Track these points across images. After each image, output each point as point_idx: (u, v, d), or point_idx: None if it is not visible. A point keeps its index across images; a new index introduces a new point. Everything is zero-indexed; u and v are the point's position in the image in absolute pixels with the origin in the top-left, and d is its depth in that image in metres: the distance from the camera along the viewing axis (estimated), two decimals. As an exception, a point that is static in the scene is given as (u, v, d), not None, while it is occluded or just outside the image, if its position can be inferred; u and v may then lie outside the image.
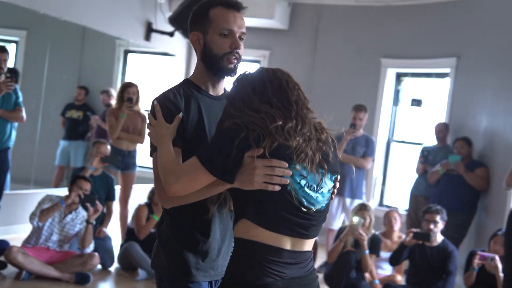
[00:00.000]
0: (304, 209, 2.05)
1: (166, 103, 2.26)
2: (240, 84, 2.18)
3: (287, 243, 2.07)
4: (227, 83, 2.42)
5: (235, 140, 2.01)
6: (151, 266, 2.42)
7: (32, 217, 5.57)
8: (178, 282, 2.32)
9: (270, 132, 2.01)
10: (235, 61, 2.34)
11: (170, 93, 2.30)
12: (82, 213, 5.76)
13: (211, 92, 2.39)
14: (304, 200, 2.05)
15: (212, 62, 2.33)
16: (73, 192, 5.63)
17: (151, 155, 2.30)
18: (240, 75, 2.23)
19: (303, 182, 2.05)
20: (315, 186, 2.06)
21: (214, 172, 2.04)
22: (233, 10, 2.34)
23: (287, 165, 2.01)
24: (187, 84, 2.37)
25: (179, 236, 2.32)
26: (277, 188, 2.01)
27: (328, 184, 2.11)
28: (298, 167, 2.02)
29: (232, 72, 2.35)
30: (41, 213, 5.55)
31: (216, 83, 2.40)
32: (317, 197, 2.08)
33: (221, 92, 2.44)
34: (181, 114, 2.25)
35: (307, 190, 2.05)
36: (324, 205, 2.12)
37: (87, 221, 5.69)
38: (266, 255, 2.04)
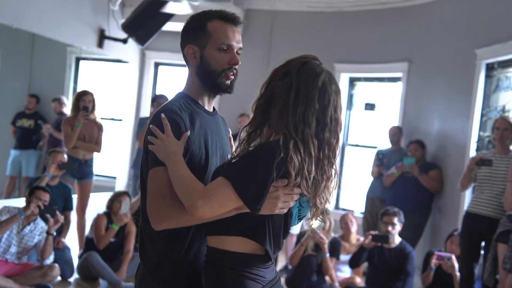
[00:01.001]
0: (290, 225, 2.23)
1: (173, 117, 2.15)
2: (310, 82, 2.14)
3: (269, 252, 2.15)
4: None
5: (272, 170, 2.01)
6: None
7: None
8: None
9: (303, 174, 2.06)
10: (233, 77, 2.28)
11: (174, 107, 2.19)
12: (40, 224, 5.66)
13: (206, 107, 2.32)
14: (293, 220, 2.22)
15: (209, 78, 2.26)
16: (32, 203, 5.53)
17: (151, 168, 2.13)
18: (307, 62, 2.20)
19: (295, 210, 2.20)
20: (302, 216, 2.25)
21: (247, 202, 2.02)
22: (231, 24, 2.27)
23: (300, 192, 2.12)
24: (185, 98, 2.28)
25: (169, 261, 2.22)
26: (285, 211, 2.11)
27: (307, 212, 2.28)
28: (302, 197, 2.16)
29: (228, 88, 2.29)
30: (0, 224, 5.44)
31: (211, 99, 2.34)
32: (295, 221, 2.24)
33: (212, 108, 2.36)
34: (188, 132, 2.15)
35: (298, 214, 2.22)
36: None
37: (48, 232, 5.59)
38: (257, 264, 2.13)
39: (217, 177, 2.04)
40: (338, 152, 2.19)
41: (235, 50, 2.26)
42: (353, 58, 8.49)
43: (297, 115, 2.08)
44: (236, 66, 2.27)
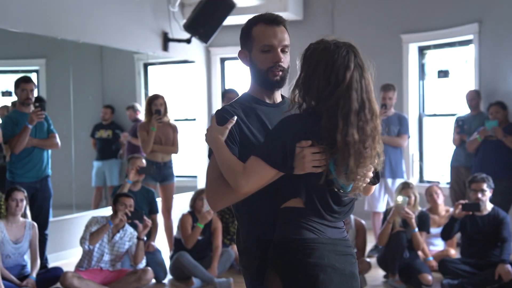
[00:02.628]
0: (335, 189, 2.32)
1: (222, 113, 2.42)
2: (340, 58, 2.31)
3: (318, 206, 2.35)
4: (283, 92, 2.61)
5: (293, 134, 2.26)
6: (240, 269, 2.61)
7: (82, 241, 5.60)
8: (257, 282, 2.48)
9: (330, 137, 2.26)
10: (280, 73, 2.46)
11: (227, 106, 2.47)
12: (129, 230, 5.77)
13: (268, 101, 2.53)
14: (337, 183, 2.32)
15: (259, 77, 2.48)
16: (119, 211, 5.64)
17: (208, 157, 2.46)
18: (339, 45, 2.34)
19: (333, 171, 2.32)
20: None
21: (278, 167, 2.27)
22: (273, 25, 2.45)
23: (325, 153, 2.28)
24: (245, 97, 2.53)
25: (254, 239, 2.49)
26: (323, 169, 2.28)
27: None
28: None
29: (278, 83, 2.48)
30: (91, 236, 5.57)
31: (270, 94, 2.53)
32: (344, 185, 2.33)
33: (278, 99, 2.57)
34: (234, 118, 2.39)
35: (338, 180, 2.32)
36: (350, 187, 2.34)
37: (138, 238, 5.70)
38: (312, 217, 2.33)
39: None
40: (374, 123, 2.31)
41: (278, 49, 2.46)
42: (420, 27, 8.26)
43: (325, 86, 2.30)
44: (281, 63, 2.46)
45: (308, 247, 2.27)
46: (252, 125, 2.44)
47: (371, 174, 2.33)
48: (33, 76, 8.15)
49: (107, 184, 8.46)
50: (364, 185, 2.33)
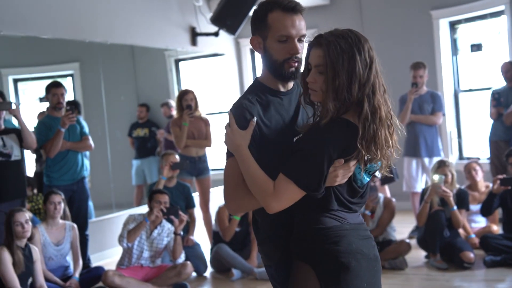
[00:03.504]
0: (357, 187, 2.34)
1: (241, 113, 2.29)
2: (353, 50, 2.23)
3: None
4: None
5: (329, 157, 2.20)
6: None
7: (120, 239, 5.68)
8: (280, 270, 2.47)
9: (362, 146, 2.22)
10: (296, 64, 2.34)
11: (244, 101, 2.33)
12: (167, 226, 5.82)
13: (282, 90, 2.41)
14: (358, 181, 2.34)
15: (274, 67, 2.34)
16: (154, 208, 5.70)
17: (227, 158, 2.36)
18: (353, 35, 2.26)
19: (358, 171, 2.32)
20: (371, 171, 2.36)
21: (311, 192, 2.23)
22: (291, 14, 2.30)
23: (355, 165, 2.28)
24: (259, 87, 2.39)
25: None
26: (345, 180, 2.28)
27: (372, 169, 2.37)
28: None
29: (294, 75, 2.36)
30: (129, 233, 5.64)
31: (285, 83, 2.41)
32: (364, 178, 2.35)
33: (291, 85, 2.45)
34: (255, 119, 2.27)
35: (359, 176, 2.33)
36: (366, 180, 2.37)
37: (175, 233, 5.75)
38: (332, 205, 2.31)
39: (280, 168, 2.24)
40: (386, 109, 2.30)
41: (295, 39, 2.31)
42: (450, 1, 8.10)
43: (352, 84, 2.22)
44: (298, 55, 2.33)
45: (336, 234, 2.27)
46: (271, 122, 2.33)
47: (389, 159, 2.31)
48: (69, 80, 8.30)
49: (147, 181, 8.55)
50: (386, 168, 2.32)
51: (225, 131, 2.32)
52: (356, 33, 2.24)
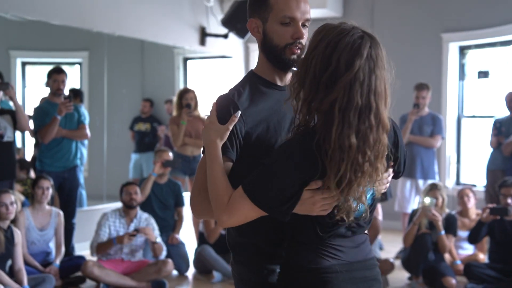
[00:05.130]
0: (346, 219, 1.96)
1: (226, 104, 2.04)
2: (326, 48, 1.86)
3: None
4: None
5: (297, 177, 1.87)
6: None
7: (92, 250, 5.65)
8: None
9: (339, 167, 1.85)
10: (298, 52, 2.06)
11: (233, 92, 2.07)
12: (143, 217, 5.82)
13: (279, 83, 2.14)
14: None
15: (273, 54, 2.08)
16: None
17: (202, 154, 2.09)
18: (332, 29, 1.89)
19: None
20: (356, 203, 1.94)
21: (270, 212, 1.91)
22: None
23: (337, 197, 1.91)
24: (252, 78, 2.13)
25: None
26: (327, 212, 1.92)
27: (368, 195, 1.97)
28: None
29: (294, 63, 2.08)
30: (98, 249, 5.60)
31: (283, 75, 2.14)
32: (360, 207, 1.95)
33: (289, 79, 2.12)
34: (238, 113, 2.00)
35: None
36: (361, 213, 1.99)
37: (153, 242, 5.71)
38: (330, 240, 1.98)
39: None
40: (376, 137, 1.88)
41: (300, 23, 2.06)
42: (461, 26, 8.08)
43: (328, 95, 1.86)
44: (302, 40, 2.07)
45: (321, 279, 1.94)
46: (260, 117, 2.05)
47: (364, 200, 1.92)
48: (76, 68, 8.34)
49: (144, 176, 8.56)
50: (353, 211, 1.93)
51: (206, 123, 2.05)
52: (362, 39, 1.88)
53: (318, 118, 1.88)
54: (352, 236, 2.00)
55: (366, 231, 2.08)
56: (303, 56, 1.95)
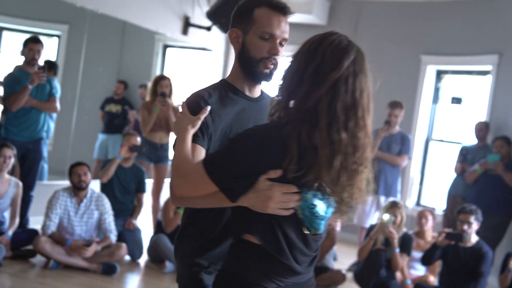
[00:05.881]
0: (307, 232, 1.95)
1: (197, 100, 2.16)
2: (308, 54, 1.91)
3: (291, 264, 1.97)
4: (265, 86, 2.33)
5: (257, 160, 1.86)
6: None
7: (45, 229, 5.57)
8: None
9: (306, 157, 1.83)
10: (272, 67, 2.21)
11: (204, 92, 2.20)
12: (94, 196, 5.76)
13: (247, 94, 2.28)
14: (308, 224, 1.94)
15: (248, 64, 2.22)
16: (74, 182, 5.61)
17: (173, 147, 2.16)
18: (318, 39, 1.94)
19: (307, 212, 1.91)
20: (322, 215, 1.93)
21: (221, 188, 1.91)
22: (278, 13, 2.20)
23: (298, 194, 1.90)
24: (223, 85, 2.27)
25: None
26: (290, 212, 1.90)
27: (330, 212, 1.97)
28: (309, 195, 1.90)
29: (267, 77, 2.23)
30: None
31: (252, 86, 2.28)
32: (320, 224, 1.95)
33: (258, 94, 2.31)
34: (208, 107, 2.13)
35: (314, 216, 1.92)
36: (323, 230, 2.00)
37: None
38: (270, 263, 1.93)
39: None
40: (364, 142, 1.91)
41: (277, 40, 2.20)
42: (441, 50, 8.18)
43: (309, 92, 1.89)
44: (276, 57, 2.21)
45: None
46: (226, 119, 2.18)
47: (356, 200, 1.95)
48: (55, 41, 8.22)
49: (109, 157, 8.48)
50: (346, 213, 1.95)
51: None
52: (350, 43, 1.94)
53: (296, 112, 1.89)
54: (308, 253, 1.99)
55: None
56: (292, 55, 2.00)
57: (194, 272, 2.18)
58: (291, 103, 1.92)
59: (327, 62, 1.86)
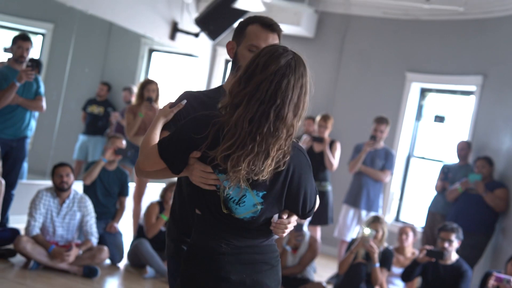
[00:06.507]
0: (225, 211, 2.23)
1: (183, 95, 2.47)
2: (256, 60, 2.19)
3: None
4: None
5: (189, 139, 2.20)
6: None
7: (28, 229, 5.51)
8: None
9: (218, 140, 2.16)
10: None
11: (197, 93, 2.50)
12: (77, 197, 5.71)
13: None
14: (227, 205, 2.24)
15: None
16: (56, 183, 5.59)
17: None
18: (272, 49, 2.21)
19: (226, 191, 2.21)
20: (236, 199, 2.21)
21: (168, 165, 2.25)
22: (267, 30, 2.49)
23: (214, 174, 2.20)
24: (218, 90, 2.54)
25: None
26: (211, 188, 2.22)
27: (253, 199, 2.22)
28: (221, 177, 2.20)
29: None
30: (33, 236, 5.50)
31: None
32: (236, 208, 2.22)
33: None
34: (184, 102, 2.39)
35: (229, 200, 2.22)
36: (249, 216, 2.23)
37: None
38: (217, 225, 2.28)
39: None
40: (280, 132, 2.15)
41: None
42: (426, 68, 8.27)
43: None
44: None
45: (208, 257, 2.24)
46: None
47: (243, 186, 2.18)
48: (38, 39, 8.14)
49: (89, 159, 8.42)
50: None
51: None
52: (285, 51, 2.19)
53: (229, 106, 2.18)
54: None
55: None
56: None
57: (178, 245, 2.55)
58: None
59: (258, 67, 2.15)
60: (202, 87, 9.47)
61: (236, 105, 2.15)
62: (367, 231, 5.80)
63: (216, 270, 2.22)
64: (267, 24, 2.50)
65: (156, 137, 2.32)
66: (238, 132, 2.12)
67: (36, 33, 8.16)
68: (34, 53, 7.50)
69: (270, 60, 2.14)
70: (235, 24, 7.91)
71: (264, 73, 2.13)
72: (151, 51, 9.11)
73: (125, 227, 6.95)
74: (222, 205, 2.22)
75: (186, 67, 9.50)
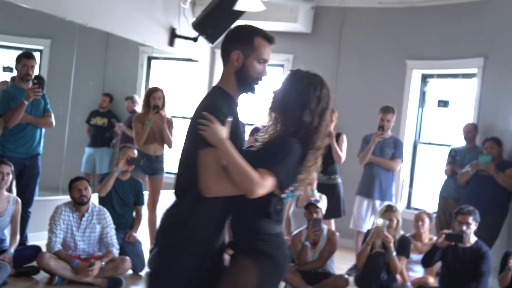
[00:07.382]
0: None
1: (220, 111, 2.65)
2: (308, 85, 2.79)
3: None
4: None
5: (299, 163, 2.71)
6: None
7: (50, 245, 5.53)
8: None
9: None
10: (259, 84, 2.83)
11: (218, 103, 2.69)
12: (95, 210, 5.74)
13: (236, 100, 2.85)
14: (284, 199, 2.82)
15: (246, 81, 2.78)
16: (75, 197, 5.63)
17: (203, 147, 2.58)
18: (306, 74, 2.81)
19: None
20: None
21: (284, 187, 2.69)
22: (270, 44, 2.81)
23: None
24: (223, 94, 2.78)
25: None
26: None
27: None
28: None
29: (254, 91, 2.83)
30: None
31: (240, 95, 2.86)
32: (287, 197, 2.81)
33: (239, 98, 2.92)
34: (230, 118, 2.65)
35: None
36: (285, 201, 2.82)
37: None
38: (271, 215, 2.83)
39: (258, 163, 2.60)
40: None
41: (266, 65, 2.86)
42: (426, 55, 8.30)
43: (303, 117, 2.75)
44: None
45: (278, 241, 2.75)
46: (233, 121, 2.71)
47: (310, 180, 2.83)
48: (36, 56, 8.12)
49: (96, 171, 8.43)
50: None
51: (205, 126, 2.58)
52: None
53: (295, 129, 2.74)
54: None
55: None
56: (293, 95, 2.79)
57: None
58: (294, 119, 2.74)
59: (322, 99, 2.81)
60: (204, 91, 9.48)
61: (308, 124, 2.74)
62: (380, 221, 5.83)
63: (284, 250, 2.79)
64: (269, 38, 2.80)
65: (245, 162, 2.57)
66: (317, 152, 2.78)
67: (34, 50, 8.15)
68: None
69: (327, 90, 2.84)
70: (233, 26, 7.94)
71: (323, 104, 2.81)
72: (150, 59, 9.12)
73: (142, 235, 6.96)
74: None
75: (185, 72, 9.51)
